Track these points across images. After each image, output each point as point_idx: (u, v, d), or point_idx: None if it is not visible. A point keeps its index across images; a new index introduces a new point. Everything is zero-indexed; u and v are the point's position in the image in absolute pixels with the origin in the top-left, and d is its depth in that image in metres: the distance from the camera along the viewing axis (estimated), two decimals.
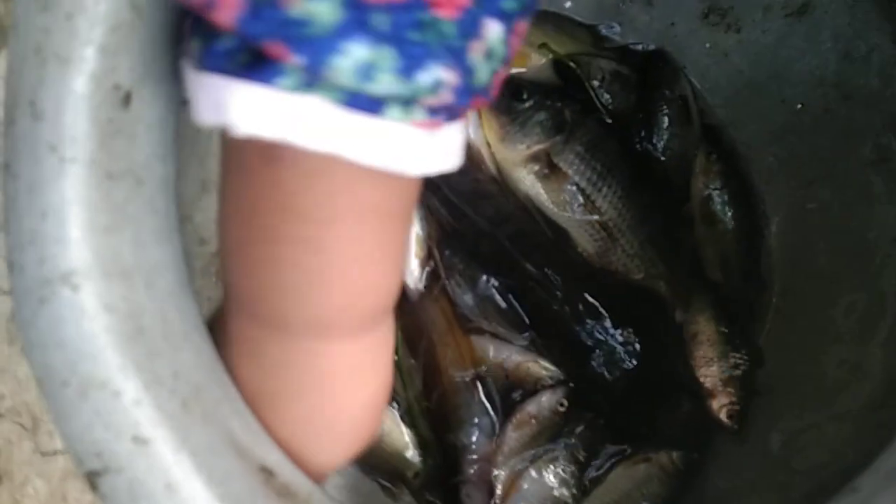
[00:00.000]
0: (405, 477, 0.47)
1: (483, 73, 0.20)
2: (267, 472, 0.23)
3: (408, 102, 0.19)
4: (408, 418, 0.48)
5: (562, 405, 0.47)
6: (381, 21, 0.17)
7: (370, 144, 0.19)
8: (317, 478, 0.25)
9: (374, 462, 0.47)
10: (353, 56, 0.17)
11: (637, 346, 0.49)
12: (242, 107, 0.18)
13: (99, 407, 0.21)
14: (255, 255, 0.22)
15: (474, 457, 0.47)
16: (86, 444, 0.21)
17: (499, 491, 0.46)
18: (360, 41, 0.17)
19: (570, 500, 0.46)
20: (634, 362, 0.49)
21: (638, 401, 0.49)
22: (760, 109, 0.50)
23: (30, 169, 0.22)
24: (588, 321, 0.49)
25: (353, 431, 0.25)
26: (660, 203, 0.51)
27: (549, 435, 0.48)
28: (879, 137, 0.44)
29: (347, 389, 0.25)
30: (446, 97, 0.19)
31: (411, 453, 0.47)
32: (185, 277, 0.25)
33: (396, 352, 0.49)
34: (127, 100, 0.23)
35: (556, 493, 0.46)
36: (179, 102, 0.25)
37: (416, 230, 0.50)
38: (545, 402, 0.47)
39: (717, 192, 0.50)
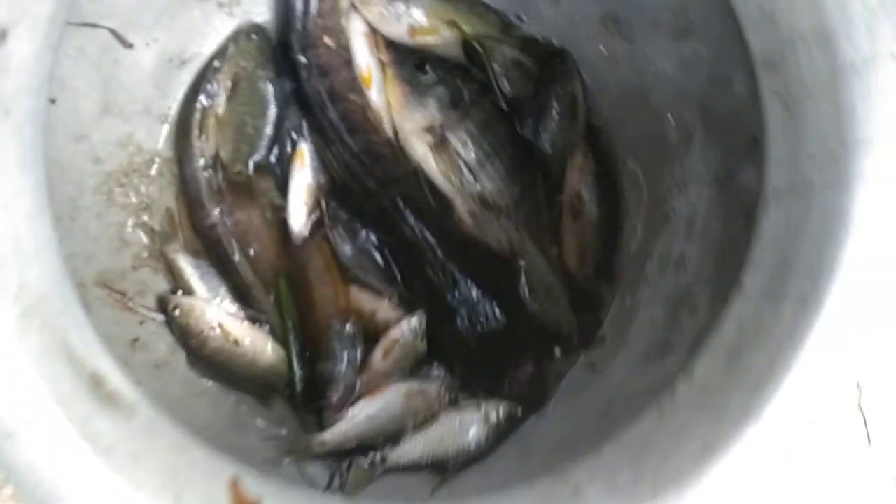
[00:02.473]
0: (278, 388, 0.51)
1: None
2: (96, 379, 0.27)
3: None
4: (281, 341, 0.52)
5: (420, 324, 0.52)
6: None
7: None
8: None
9: (248, 376, 0.51)
10: None
11: (494, 309, 0.53)
12: None
13: None
14: None
15: (339, 384, 0.51)
16: None
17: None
18: None
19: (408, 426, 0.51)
20: (491, 322, 0.54)
21: (489, 358, 0.54)
22: (638, 116, 0.55)
23: None
24: (454, 283, 0.54)
25: None
26: (536, 188, 0.56)
27: (411, 360, 0.53)
28: (727, 159, 0.50)
29: None
30: None
31: (282, 368, 0.52)
32: (44, 201, 0.28)
33: (278, 286, 0.53)
34: (2, 36, 0.26)
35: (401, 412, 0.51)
36: (57, 39, 0.28)
37: (308, 179, 0.53)
38: (405, 325, 0.52)
39: (587, 188, 0.55)
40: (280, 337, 0.52)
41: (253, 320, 0.52)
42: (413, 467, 0.48)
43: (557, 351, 0.54)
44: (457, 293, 0.53)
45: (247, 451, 0.48)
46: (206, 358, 0.50)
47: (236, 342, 0.50)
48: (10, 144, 0.26)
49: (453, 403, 0.52)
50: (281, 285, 0.52)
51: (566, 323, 0.54)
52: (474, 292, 0.53)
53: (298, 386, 0.52)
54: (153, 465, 0.26)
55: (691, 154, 0.52)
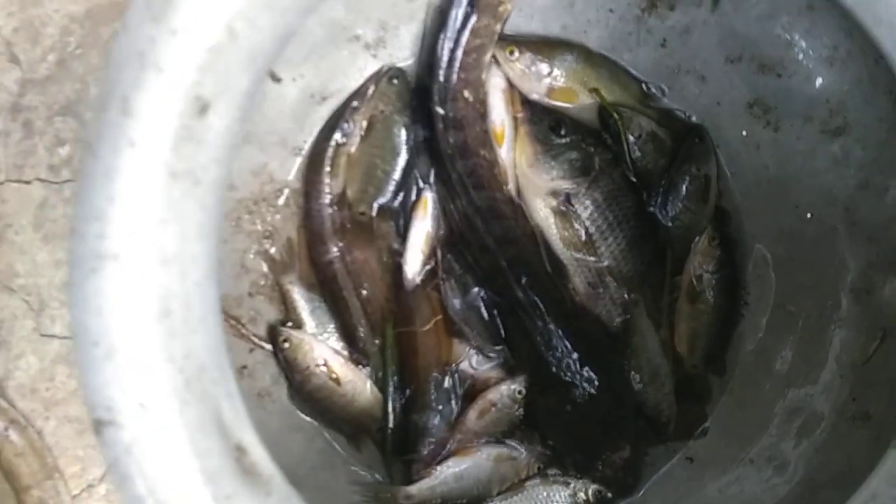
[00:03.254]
0: (370, 431, 0.51)
1: None
2: (241, 451, 0.27)
3: None
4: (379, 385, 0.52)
5: (520, 393, 0.51)
6: None
7: None
8: None
9: (344, 416, 0.51)
10: None
11: (596, 385, 0.52)
12: None
13: (119, 370, 0.25)
14: None
15: (431, 438, 0.51)
16: (100, 398, 0.25)
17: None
18: None
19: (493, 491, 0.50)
20: (590, 398, 0.52)
21: (585, 435, 0.53)
22: (774, 207, 0.53)
23: (110, 156, 0.25)
24: (559, 353, 0.52)
25: None
26: (657, 267, 0.54)
27: (505, 425, 0.52)
28: (868, 270, 0.47)
29: None
30: None
31: (377, 411, 0.52)
32: (215, 266, 0.28)
33: (384, 330, 0.53)
34: (204, 110, 0.26)
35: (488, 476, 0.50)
36: (248, 111, 0.28)
37: (428, 228, 0.53)
38: (504, 389, 0.51)
39: (709, 275, 0.53)
40: (378, 380, 0.52)
41: (356, 361, 0.52)
42: None
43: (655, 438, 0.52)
44: (560, 364, 0.52)
45: (335, 491, 0.49)
46: (307, 393, 0.50)
47: (338, 381, 0.51)
48: (195, 213, 0.27)
49: (542, 475, 0.51)
50: (387, 330, 0.52)
51: (667, 409, 0.53)
52: (578, 365, 0.52)
53: (389, 432, 0.52)
54: None
55: (829, 256, 0.50)
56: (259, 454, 0.28)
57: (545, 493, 0.50)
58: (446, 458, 0.50)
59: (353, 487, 0.49)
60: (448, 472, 0.50)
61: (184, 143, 0.26)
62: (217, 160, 0.27)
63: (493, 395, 0.51)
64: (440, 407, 0.51)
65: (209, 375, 0.27)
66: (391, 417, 0.52)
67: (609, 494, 0.50)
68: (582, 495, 0.50)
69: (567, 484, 0.50)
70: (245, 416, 0.28)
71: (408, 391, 0.52)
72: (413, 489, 0.49)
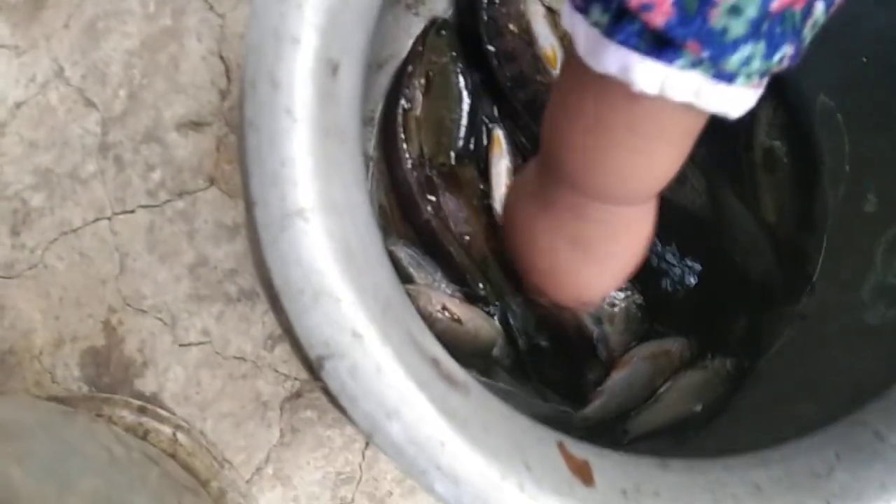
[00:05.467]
0: (499, 360, 0.55)
1: (808, 39, 0.27)
2: (436, 363, 0.31)
3: (754, 74, 0.26)
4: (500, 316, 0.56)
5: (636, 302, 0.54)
6: (765, 26, 0.24)
7: (718, 99, 0.26)
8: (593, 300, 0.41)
9: (472, 351, 0.55)
10: (743, 53, 0.24)
11: (698, 265, 0.55)
12: (645, 74, 0.25)
13: (327, 309, 0.28)
14: (595, 150, 0.31)
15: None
16: (317, 337, 0.28)
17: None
18: (750, 43, 0.24)
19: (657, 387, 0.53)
20: (694, 280, 0.55)
21: (701, 315, 0.55)
22: (829, 59, 0.54)
23: (269, 126, 0.28)
24: (656, 247, 0.55)
25: (633, 262, 0.40)
26: (726, 146, 0.56)
27: (635, 325, 0.54)
28: None
29: (632, 235, 0.38)
30: (784, 65, 0.26)
31: (501, 342, 0.55)
32: (372, 214, 0.31)
33: (487, 267, 0.56)
34: (335, 70, 0.29)
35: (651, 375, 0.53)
36: (367, 69, 0.31)
37: (507, 163, 0.55)
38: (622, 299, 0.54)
39: (779, 143, 0.54)
40: (499, 315, 0.55)
41: (472, 301, 0.55)
42: (653, 434, 0.50)
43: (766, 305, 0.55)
44: (661, 257, 0.54)
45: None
46: (435, 338, 0.53)
47: (459, 321, 0.54)
48: (348, 164, 0.30)
49: (696, 360, 0.54)
50: (490, 267, 0.55)
51: (772, 274, 0.55)
52: (677, 253, 0.54)
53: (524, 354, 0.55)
54: (498, 434, 0.30)
55: (891, 94, 0.51)
56: (451, 365, 0.31)
57: (691, 383, 0.52)
58: (607, 376, 0.53)
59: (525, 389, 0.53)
60: (614, 386, 0.52)
61: (327, 103, 0.29)
62: (353, 116, 0.30)
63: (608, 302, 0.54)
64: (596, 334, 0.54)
65: (396, 302, 0.30)
66: (521, 341, 0.55)
67: (747, 363, 0.52)
68: (723, 369, 0.52)
69: (705, 367, 0.52)
70: (430, 335, 0.32)
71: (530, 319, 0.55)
72: (588, 411, 0.52)
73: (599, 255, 0.38)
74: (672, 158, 0.31)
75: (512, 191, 0.44)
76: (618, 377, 0.52)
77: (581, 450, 0.32)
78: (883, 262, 0.51)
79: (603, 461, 0.32)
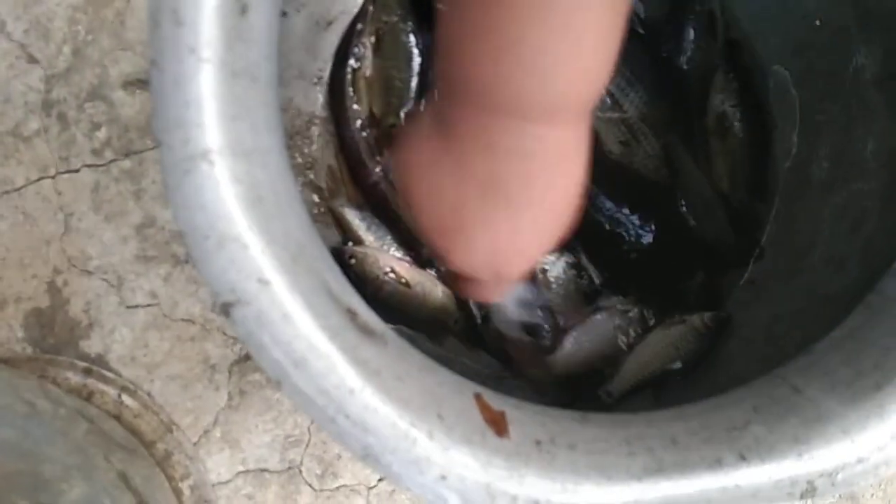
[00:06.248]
0: (447, 325, 0.55)
1: None
2: (352, 313, 0.30)
3: None
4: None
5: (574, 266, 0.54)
6: None
7: None
8: (514, 270, 0.32)
9: (421, 317, 0.54)
10: None
11: (651, 226, 0.54)
12: None
13: (232, 255, 0.27)
14: (501, 40, 0.25)
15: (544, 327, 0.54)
16: (222, 283, 0.28)
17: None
18: None
19: (624, 346, 0.53)
20: (650, 240, 0.55)
21: (659, 276, 0.55)
22: (782, 24, 0.53)
23: (174, 66, 0.27)
24: (607, 209, 0.55)
25: (564, 215, 0.31)
26: (680, 111, 0.56)
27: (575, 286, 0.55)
28: (886, 58, 0.48)
29: (560, 176, 0.30)
30: None
31: (450, 306, 0.55)
32: (287, 160, 0.31)
33: None
34: (244, 10, 0.28)
35: (613, 332, 0.53)
36: (280, 12, 0.30)
37: None
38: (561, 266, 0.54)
39: (732, 108, 0.54)
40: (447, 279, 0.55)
41: (421, 264, 0.55)
42: (637, 388, 0.50)
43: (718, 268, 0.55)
44: (613, 219, 0.54)
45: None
46: (381, 301, 0.53)
47: (408, 284, 0.53)
48: (260, 107, 0.29)
49: (659, 321, 0.54)
50: None
51: (725, 237, 0.55)
52: (630, 215, 0.54)
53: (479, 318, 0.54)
54: (413, 384, 0.29)
55: (845, 56, 0.51)
56: (369, 315, 0.31)
57: (670, 334, 0.52)
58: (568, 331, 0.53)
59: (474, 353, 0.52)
60: (578, 338, 0.53)
61: (236, 43, 0.28)
62: (267, 57, 0.29)
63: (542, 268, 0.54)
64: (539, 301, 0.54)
65: (309, 251, 0.30)
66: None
67: (725, 314, 0.52)
68: (700, 324, 0.52)
69: (684, 321, 0.52)
70: (348, 286, 0.31)
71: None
72: (555, 357, 0.52)
73: (519, 204, 0.29)
74: (599, 38, 0.26)
75: (403, 137, 0.33)
76: (578, 332, 0.52)
77: (499, 401, 0.32)
78: (831, 229, 0.51)
79: (521, 413, 0.31)
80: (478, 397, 0.31)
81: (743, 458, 0.29)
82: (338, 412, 0.28)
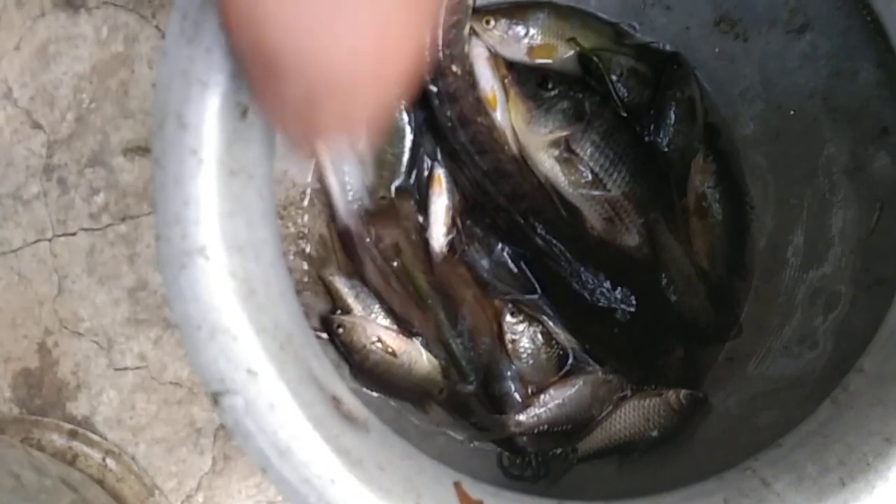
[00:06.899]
0: (432, 394, 0.55)
1: None
2: (336, 401, 0.31)
3: None
4: (435, 350, 0.56)
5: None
6: None
7: None
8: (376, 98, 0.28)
9: (407, 386, 0.55)
10: None
11: (633, 301, 0.56)
12: None
13: (223, 346, 0.29)
14: None
15: (514, 396, 0.55)
16: (212, 373, 0.29)
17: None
18: None
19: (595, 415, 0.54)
20: (631, 314, 0.56)
21: (639, 350, 0.57)
22: (758, 112, 0.56)
23: (175, 166, 0.29)
24: (590, 284, 0.56)
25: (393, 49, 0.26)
26: (661, 191, 0.58)
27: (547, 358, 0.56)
28: (857, 148, 0.51)
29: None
30: None
31: (436, 376, 0.56)
32: (280, 251, 0.32)
33: (420, 292, 0.56)
34: (245, 113, 0.30)
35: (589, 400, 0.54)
36: None
37: (446, 201, 0.57)
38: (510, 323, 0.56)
39: (711, 189, 0.56)
40: (434, 349, 0.56)
41: (407, 334, 0.56)
42: (603, 453, 0.51)
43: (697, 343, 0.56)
44: (594, 294, 0.56)
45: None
46: (367, 370, 0.54)
47: (394, 353, 0.54)
48: (255, 202, 0.30)
49: (637, 391, 0.55)
50: (421, 290, 0.56)
51: (704, 314, 0.56)
52: (611, 291, 0.56)
53: (470, 378, 0.55)
54: (394, 473, 0.30)
55: (817, 146, 0.53)
56: (352, 402, 0.32)
57: (644, 406, 0.53)
58: (547, 388, 0.54)
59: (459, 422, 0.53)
60: (550, 400, 0.54)
61: (234, 144, 0.29)
62: (264, 155, 0.31)
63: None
64: (508, 373, 0.55)
65: (297, 340, 0.31)
66: (466, 367, 0.55)
67: (701, 395, 0.53)
68: (675, 400, 0.53)
69: (660, 394, 0.53)
70: (333, 373, 0.32)
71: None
72: (521, 416, 0.53)
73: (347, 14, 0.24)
74: None
75: None
76: (555, 392, 0.53)
77: (478, 490, 0.33)
78: (805, 310, 0.52)
79: (499, 500, 0.32)
80: (457, 486, 0.32)
81: None
82: (319, 501, 0.29)
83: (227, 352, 0.28)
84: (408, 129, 0.57)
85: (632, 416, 0.53)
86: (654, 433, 0.53)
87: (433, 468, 0.32)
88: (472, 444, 0.55)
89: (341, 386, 0.32)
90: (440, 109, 0.55)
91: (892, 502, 0.30)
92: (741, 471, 0.34)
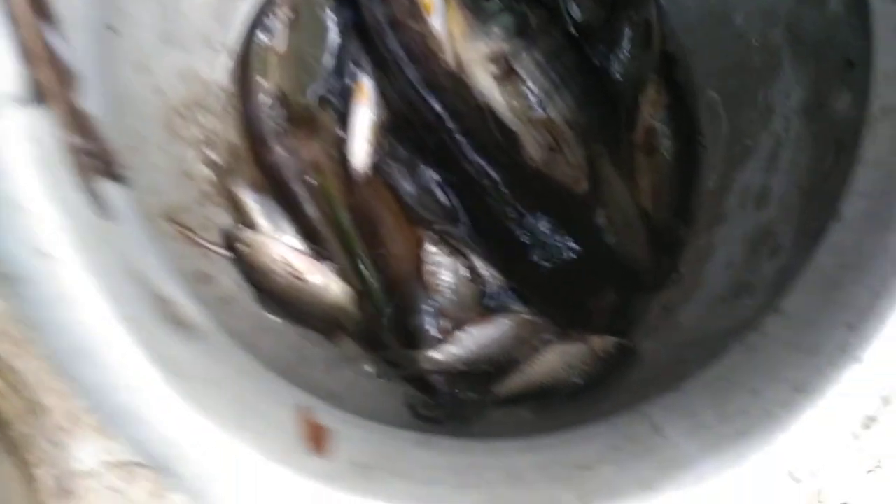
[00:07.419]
0: (344, 326, 0.51)
1: None
2: (163, 301, 0.27)
3: None
4: (349, 277, 0.52)
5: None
6: None
7: None
8: None
9: (314, 312, 0.51)
10: None
11: (568, 242, 0.52)
12: None
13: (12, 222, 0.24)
14: None
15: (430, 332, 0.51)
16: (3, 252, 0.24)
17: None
18: None
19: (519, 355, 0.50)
20: (565, 255, 0.52)
21: (567, 291, 0.53)
22: (719, 41, 0.51)
23: None
24: (523, 220, 0.52)
25: None
26: (608, 121, 0.53)
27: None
28: (818, 84, 0.46)
29: None
30: None
31: (347, 305, 0.51)
32: None
33: (339, 221, 0.52)
34: None
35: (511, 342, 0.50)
36: None
37: (368, 115, 0.51)
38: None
39: (661, 124, 0.51)
40: (348, 276, 0.51)
41: (319, 257, 0.51)
42: (520, 399, 0.47)
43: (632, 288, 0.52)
44: (527, 230, 0.51)
45: (315, 383, 0.49)
46: (272, 293, 0.49)
47: (301, 278, 0.50)
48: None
49: (561, 335, 0.51)
50: (342, 220, 0.51)
51: (643, 259, 0.52)
52: (546, 227, 0.51)
53: (385, 319, 0.51)
54: (225, 390, 0.26)
55: (777, 81, 0.48)
56: (189, 306, 0.28)
57: (567, 352, 0.49)
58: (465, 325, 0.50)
59: (334, 376, 0.49)
60: (468, 338, 0.49)
61: None
62: None
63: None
64: (424, 304, 0.51)
65: (120, 230, 0.26)
66: (383, 304, 0.51)
67: (629, 344, 0.50)
68: (601, 348, 0.49)
69: (585, 341, 0.49)
70: (171, 273, 0.28)
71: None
72: (437, 354, 0.49)
73: None
74: None
75: None
76: (475, 330, 0.49)
77: (336, 418, 0.29)
78: (746, 256, 0.48)
79: (358, 431, 0.28)
80: (301, 410, 0.28)
81: (583, 502, 0.26)
82: (125, 412, 0.25)
83: (16, 229, 0.24)
84: (331, 27, 0.51)
85: (553, 361, 0.49)
86: (576, 380, 0.49)
87: (277, 390, 0.28)
88: (380, 380, 0.51)
89: (176, 288, 0.28)
90: (368, 8, 0.50)
91: (793, 455, 0.26)
92: (632, 414, 0.30)
